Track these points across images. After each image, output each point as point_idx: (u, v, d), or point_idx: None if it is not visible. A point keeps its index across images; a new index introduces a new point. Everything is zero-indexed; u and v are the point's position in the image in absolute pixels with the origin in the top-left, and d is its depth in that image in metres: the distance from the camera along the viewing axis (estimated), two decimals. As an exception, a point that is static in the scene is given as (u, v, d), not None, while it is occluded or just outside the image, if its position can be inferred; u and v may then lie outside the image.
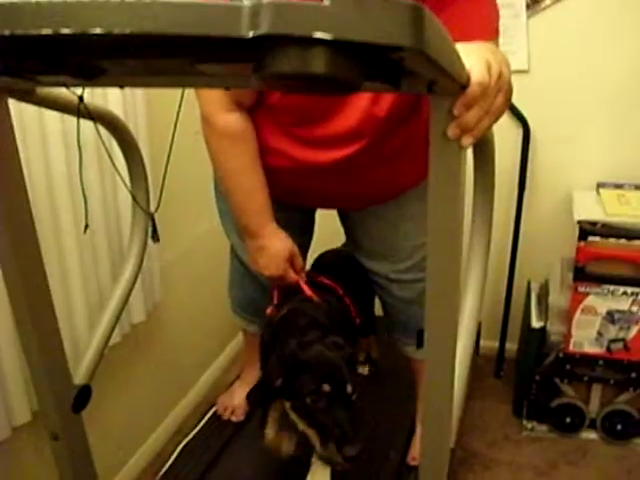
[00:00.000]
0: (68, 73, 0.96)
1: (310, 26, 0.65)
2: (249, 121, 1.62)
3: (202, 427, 2.33)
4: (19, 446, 1.80)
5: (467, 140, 0.95)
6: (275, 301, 1.82)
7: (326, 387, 1.48)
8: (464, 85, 0.92)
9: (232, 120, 1.60)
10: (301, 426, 1.54)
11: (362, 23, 0.66)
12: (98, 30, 0.72)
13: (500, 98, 1.00)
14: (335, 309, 1.77)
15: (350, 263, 1.99)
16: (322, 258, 2.19)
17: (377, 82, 0.81)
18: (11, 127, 1.28)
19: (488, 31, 1.37)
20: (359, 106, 1.51)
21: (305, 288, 1.74)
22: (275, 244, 1.71)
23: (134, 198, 1.67)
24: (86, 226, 1.54)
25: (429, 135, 0.97)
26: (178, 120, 1.53)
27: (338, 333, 1.62)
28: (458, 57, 0.84)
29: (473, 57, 0.95)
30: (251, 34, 0.66)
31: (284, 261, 1.71)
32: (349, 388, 1.49)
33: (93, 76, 0.98)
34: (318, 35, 0.65)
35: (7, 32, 0.78)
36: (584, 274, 2.39)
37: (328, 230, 2.17)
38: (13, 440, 1.74)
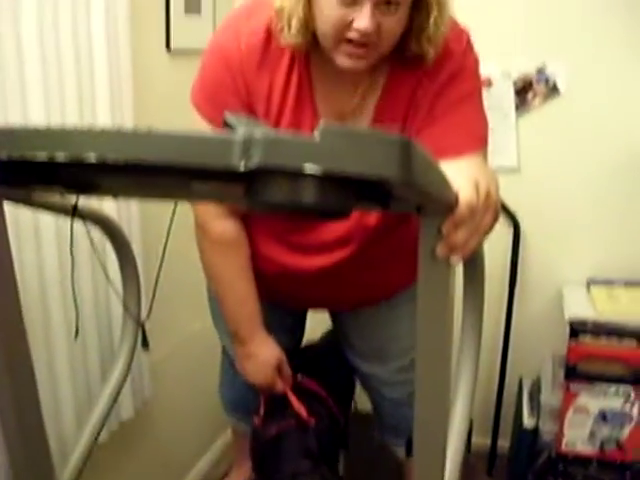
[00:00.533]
0: (62, 186, 0.98)
1: (300, 160, 0.67)
2: (242, 228, 1.63)
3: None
4: None
5: (456, 259, 0.96)
6: (262, 411, 1.80)
7: None
8: (452, 206, 0.94)
9: (226, 227, 1.61)
10: None
11: (351, 158, 0.67)
12: (92, 156, 0.74)
13: (488, 217, 1.02)
14: (323, 427, 1.75)
15: (335, 361, 1.99)
16: (307, 351, 2.17)
17: (367, 204, 0.83)
18: (5, 231, 1.29)
19: (475, 143, 1.40)
20: (350, 215, 1.53)
21: (293, 401, 1.73)
22: (264, 352, 1.70)
23: (125, 306, 1.67)
24: (77, 332, 1.54)
25: (418, 252, 0.98)
26: (172, 224, 1.53)
27: (326, 458, 1.61)
28: (446, 182, 0.86)
29: (461, 177, 0.97)
30: (242, 166, 0.67)
31: (272, 370, 1.71)
32: None
33: (87, 189, 0.99)
34: (308, 169, 0.66)
35: (4, 155, 0.80)
36: (575, 373, 2.37)
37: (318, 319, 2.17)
38: None
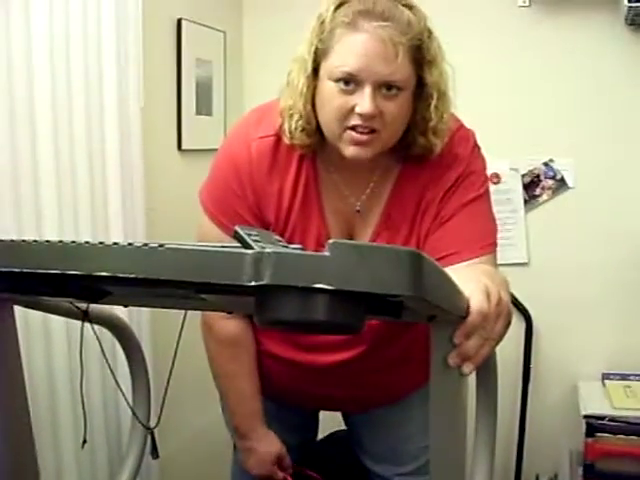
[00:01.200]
0: (73, 296, 0.98)
1: (311, 277, 0.67)
2: (249, 327, 1.63)
3: None
4: None
5: (468, 368, 0.95)
6: None
7: None
8: (463, 315, 0.93)
9: (232, 327, 1.60)
10: None
11: (362, 274, 0.67)
12: (104, 274, 0.74)
13: (500, 323, 1.01)
14: None
15: (341, 456, 1.95)
16: (317, 445, 2.13)
17: (378, 317, 0.82)
18: (16, 335, 1.29)
19: (485, 246, 1.40)
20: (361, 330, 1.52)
21: None
22: (263, 447, 1.69)
23: (134, 413, 1.66)
24: (84, 441, 1.52)
25: (429, 359, 0.97)
26: (183, 329, 1.53)
27: None
28: (457, 292, 0.86)
29: (472, 285, 0.96)
30: (253, 283, 0.67)
31: (270, 464, 1.70)
32: None
33: (97, 298, 1.00)
34: (319, 286, 0.66)
35: (17, 269, 0.80)
36: (594, 472, 2.32)
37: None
38: None
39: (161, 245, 0.72)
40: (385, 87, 1.28)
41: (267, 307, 0.71)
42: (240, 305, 0.96)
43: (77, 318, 1.40)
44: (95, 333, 1.47)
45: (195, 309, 1.30)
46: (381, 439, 1.81)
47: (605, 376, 2.66)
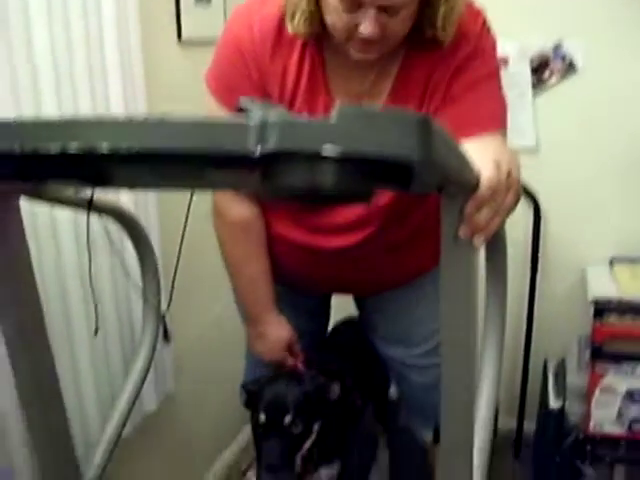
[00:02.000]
0: (77, 180, 0.97)
1: (317, 143, 0.65)
2: (258, 212, 1.64)
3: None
4: None
5: (478, 240, 0.95)
6: None
7: (262, 417, 1.53)
8: (474, 186, 0.92)
9: (242, 210, 1.62)
10: None
11: (369, 138, 0.65)
12: (105, 146, 0.72)
13: (510, 196, 1.00)
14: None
15: (357, 343, 1.98)
16: (334, 332, 2.17)
17: (387, 186, 0.81)
18: (22, 228, 1.28)
19: (495, 123, 1.38)
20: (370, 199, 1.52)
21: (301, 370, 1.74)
22: (274, 332, 1.73)
23: (144, 299, 1.67)
24: (96, 329, 1.54)
25: (440, 234, 0.96)
26: (190, 211, 1.52)
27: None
28: (467, 162, 0.84)
29: (482, 157, 0.95)
30: (258, 151, 0.66)
31: (281, 349, 1.74)
32: (287, 419, 1.51)
33: (102, 182, 0.98)
34: (325, 152, 0.64)
35: (17, 148, 0.79)
36: (601, 353, 2.35)
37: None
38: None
39: (163, 117, 0.70)
40: (388, 8, 1.25)
41: (273, 177, 0.69)
42: (246, 183, 0.95)
43: (83, 209, 1.39)
44: (103, 220, 1.47)
45: (200, 189, 1.28)
46: (393, 322, 1.83)
47: (613, 260, 2.66)
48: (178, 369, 2.35)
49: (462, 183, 0.86)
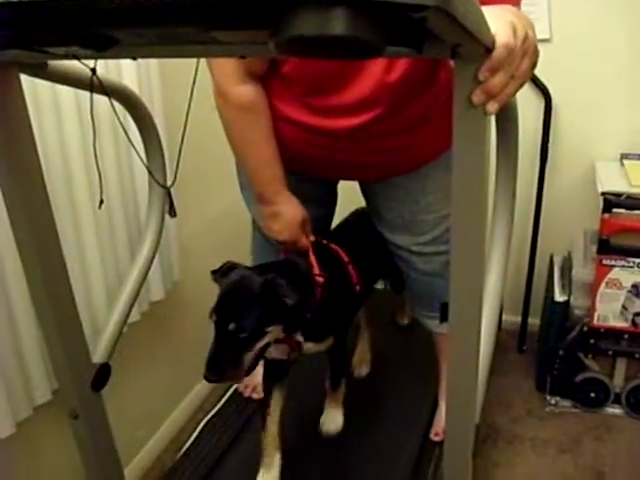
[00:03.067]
0: (78, 44, 0.94)
1: (330, -15, 0.62)
2: (262, 92, 1.62)
3: (223, 405, 2.31)
4: (40, 425, 1.79)
5: (492, 106, 0.92)
6: None
7: (213, 316, 1.49)
8: (489, 49, 0.89)
9: (245, 91, 1.59)
10: None
11: (384, -20, 0.62)
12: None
13: (526, 62, 0.97)
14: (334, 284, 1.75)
15: (364, 232, 1.98)
16: (343, 222, 2.16)
17: (400, 47, 0.78)
18: (24, 102, 1.26)
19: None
20: (372, 74, 1.49)
21: (312, 259, 1.72)
22: (289, 210, 1.72)
23: (150, 172, 1.65)
24: (101, 201, 1.51)
25: (453, 101, 0.94)
26: (193, 93, 1.50)
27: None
28: (483, 19, 0.81)
29: (498, 20, 0.91)
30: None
31: (298, 227, 1.72)
32: (231, 326, 1.46)
33: (104, 47, 0.95)
34: (338, -4, 0.61)
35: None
36: (608, 247, 2.35)
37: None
38: (34, 419, 1.73)
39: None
40: None
41: (284, 25, 0.66)
42: (254, 44, 0.92)
43: (85, 88, 1.36)
44: (109, 100, 1.44)
45: (207, 56, 1.25)
46: (400, 209, 1.82)
47: (624, 156, 2.63)
48: (184, 258, 2.36)
49: (477, 44, 0.83)
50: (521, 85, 0.96)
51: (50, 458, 1.88)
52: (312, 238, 1.77)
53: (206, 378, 1.46)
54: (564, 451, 2.43)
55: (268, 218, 1.74)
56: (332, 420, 1.90)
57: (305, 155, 1.71)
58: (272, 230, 1.74)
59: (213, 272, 1.61)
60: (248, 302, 1.49)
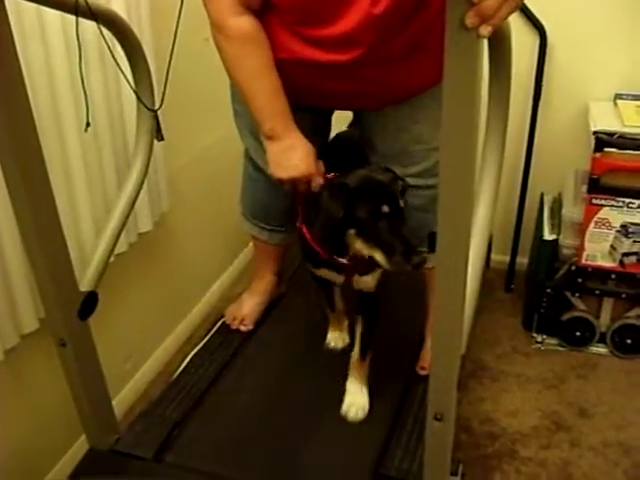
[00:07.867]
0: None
1: None
2: (259, 23, 1.59)
3: (211, 337, 2.31)
4: (27, 353, 1.80)
5: (485, 29, 0.90)
6: (300, 215, 1.80)
7: (385, 208, 1.55)
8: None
9: (243, 23, 1.57)
10: (366, 251, 1.60)
11: None
12: None
13: (521, -16, 0.95)
14: None
15: (354, 157, 1.97)
16: (326, 146, 2.13)
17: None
18: (8, 24, 1.23)
19: None
20: (359, 8, 1.47)
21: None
22: (304, 143, 1.69)
23: (137, 95, 1.62)
24: (87, 124, 1.49)
25: (444, 25, 0.92)
26: (181, 14, 1.47)
27: None
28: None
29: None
30: None
31: (314, 157, 1.71)
32: (401, 203, 1.59)
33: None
34: None
35: None
36: (599, 186, 2.34)
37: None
38: (21, 348, 1.75)
39: None
40: None
41: None
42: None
43: (71, 11, 1.34)
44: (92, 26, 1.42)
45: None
46: (392, 138, 1.82)
47: (617, 96, 2.61)
48: (173, 189, 2.35)
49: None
50: (515, 8, 0.94)
51: (38, 386, 1.89)
52: (327, 174, 1.74)
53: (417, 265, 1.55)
54: (549, 388, 2.47)
55: (282, 153, 1.70)
56: (358, 403, 1.91)
57: (300, 84, 1.68)
58: (287, 167, 1.70)
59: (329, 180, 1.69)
60: (392, 185, 1.64)
